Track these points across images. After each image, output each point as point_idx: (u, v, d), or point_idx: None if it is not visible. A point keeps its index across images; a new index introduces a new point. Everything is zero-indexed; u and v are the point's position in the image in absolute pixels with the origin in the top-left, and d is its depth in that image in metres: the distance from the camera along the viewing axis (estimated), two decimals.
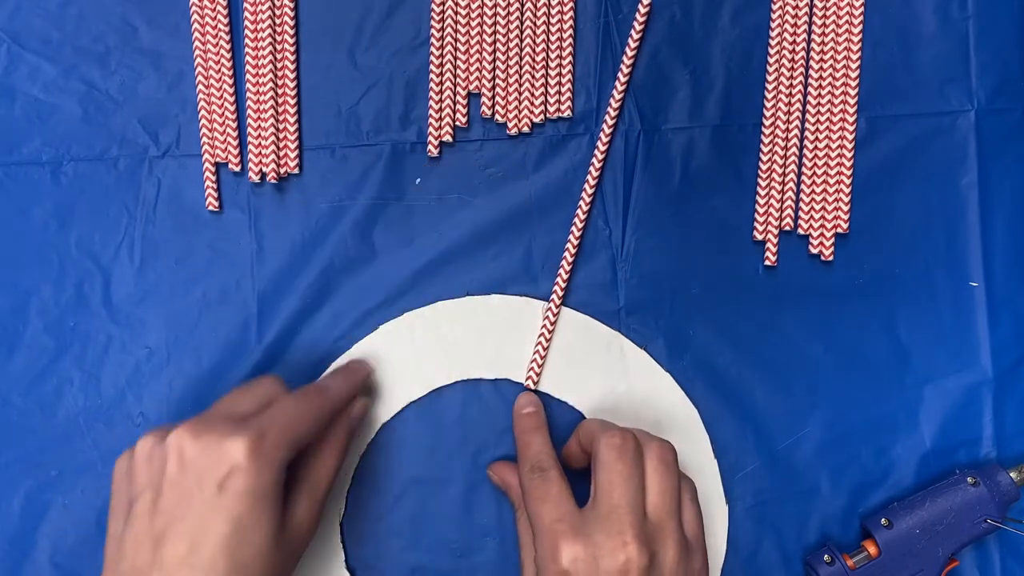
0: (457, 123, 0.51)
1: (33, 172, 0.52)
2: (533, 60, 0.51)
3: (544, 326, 0.51)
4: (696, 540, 0.44)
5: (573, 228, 0.51)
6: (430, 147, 0.51)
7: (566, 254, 0.51)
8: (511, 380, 0.51)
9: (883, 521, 0.48)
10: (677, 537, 0.42)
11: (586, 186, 0.51)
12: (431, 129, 0.51)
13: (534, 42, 0.51)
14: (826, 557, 0.48)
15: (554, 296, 0.51)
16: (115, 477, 0.43)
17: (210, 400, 0.51)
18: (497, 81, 0.51)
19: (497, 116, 0.51)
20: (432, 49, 0.51)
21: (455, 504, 0.51)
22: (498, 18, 0.51)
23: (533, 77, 0.51)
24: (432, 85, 0.51)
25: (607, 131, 0.51)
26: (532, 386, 0.50)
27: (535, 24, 0.51)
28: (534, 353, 0.51)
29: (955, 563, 0.48)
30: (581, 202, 0.51)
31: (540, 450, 0.46)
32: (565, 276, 0.51)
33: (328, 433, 0.45)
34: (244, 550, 0.39)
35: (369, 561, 0.50)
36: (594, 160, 0.51)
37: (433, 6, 0.51)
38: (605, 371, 0.51)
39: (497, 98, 0.51)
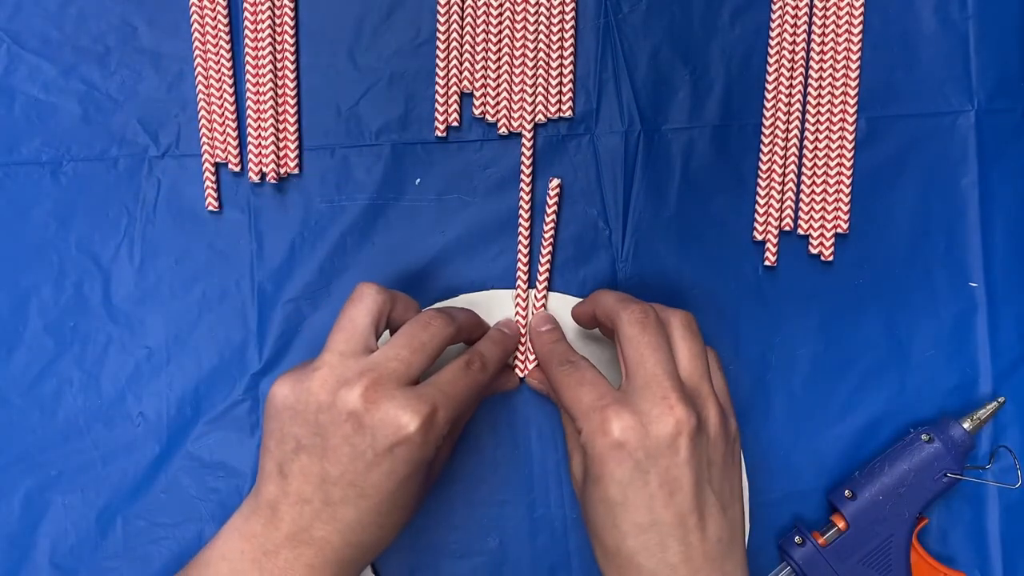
0: (457, 123, 0.51)
1: (33, 172, 0.52)
2: (533, 60, 0.51)
3: (517, 313, 0.50)
4: (728, 405, 0.44)
5: (521, 211, 0.51)
6: (437, 131, 0.51)
7: (520, 238, 0.51)
8: None
9: (846, 493, 0.48)
10: (714, 398, 0.43)
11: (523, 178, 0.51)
12: (437, 115, 0.51)
13: (534, 42, 0.51)
14: (796, 538, 0.48)
15: (519, 282, 0.51)
16: (278, 407, 0.43)
17: (211, 400, 0.51)
18: (497, 81, 0.51)
19: (497, 116, 0.51)
20: (438, 43, 0.51)
21: (455, 504, 0.51)
22: (499, 18, 0.51)
23: (533, 77, 0.51)
24: (438, 79, 0.51)
25: (528, 137, 0.51)
26: (523, 374, 0.50)
27: (535, 24, 0.51)
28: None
29: (925, 521, 0.48)
30: (522, 192, 0.51)
31: (565, 349, 0.47)
32: (525, 261, 0.51)
33: None
34: (403, 498, 0.43)
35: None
36: (523, 160, 0.51)
37: (438, 6, 0.51)
38: (592, 336, 0.50)
39: (497, 98, 0.51)
